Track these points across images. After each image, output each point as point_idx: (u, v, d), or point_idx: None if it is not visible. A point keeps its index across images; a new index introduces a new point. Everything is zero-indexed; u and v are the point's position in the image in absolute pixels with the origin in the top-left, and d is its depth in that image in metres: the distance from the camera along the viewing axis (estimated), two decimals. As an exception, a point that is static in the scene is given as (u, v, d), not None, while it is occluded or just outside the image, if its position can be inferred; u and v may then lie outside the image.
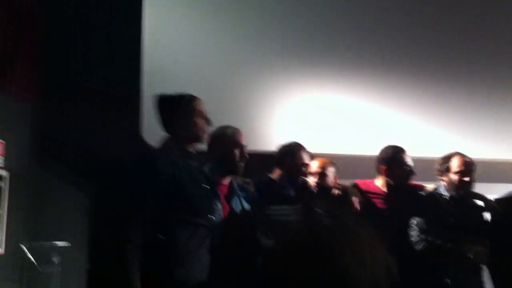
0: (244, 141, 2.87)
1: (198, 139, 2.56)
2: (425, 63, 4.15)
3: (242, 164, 2.85)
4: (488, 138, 4.06)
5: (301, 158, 3.12)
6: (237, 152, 2.82)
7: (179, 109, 2.51)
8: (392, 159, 3.18)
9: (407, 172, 3.18)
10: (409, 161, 3.19)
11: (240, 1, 4.12)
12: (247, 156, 2.86)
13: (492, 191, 3.34)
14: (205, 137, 2.63)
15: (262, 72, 4.05)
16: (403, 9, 4.20)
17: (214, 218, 2.52)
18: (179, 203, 2.37)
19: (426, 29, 4.18)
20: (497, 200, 3.26)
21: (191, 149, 2.54)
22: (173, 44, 3.92)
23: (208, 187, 2.51)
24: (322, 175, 3.13)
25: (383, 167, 3.20)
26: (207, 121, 2.56)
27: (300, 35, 4.06)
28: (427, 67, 4.15)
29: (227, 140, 2.85)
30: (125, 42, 4.00)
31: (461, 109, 4.13)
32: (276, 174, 3.12)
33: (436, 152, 3.30)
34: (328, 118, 4.05)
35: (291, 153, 3.12)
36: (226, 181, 2.84)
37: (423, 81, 4.12)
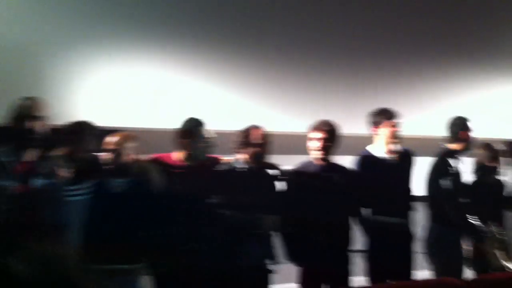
0: (42, 112, 2.74)
1: None
2: (234, 38, 4.21)
3: (37, 136, 2.71)
4: (289, 112, 4.29)
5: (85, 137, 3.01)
6: (31, 124, 2.68)
7: None
8: (191, 133, 3.21)
9: (206, 145, 3.23)
10: (208, 134, 3.24)
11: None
12: (45, 128, 2.72)
13: (289, 162, 3.54)
14: None
15: (67, 46, 3.85)
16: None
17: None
18: None
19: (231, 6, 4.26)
20: (292, 170, 3.46)
21: None
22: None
23: None
24: (117, 151, 3.07)
25: (183, 141, 3.22)
26: None
27: (108, 10, 3.94)
28: (235, 42, 4.22)
29: (21, 111, 2.73)
30: None
31: (264, 84, 4.28)
32: (61, 151, 2.96)
33: (237, 126, 3.37)
34: (131, 92, 3.97)
35: (79, 131, 3.01)
36: (29, 157, 2.68)
37: (228, 55, 4.19)
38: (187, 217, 3.08)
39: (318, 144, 3.38)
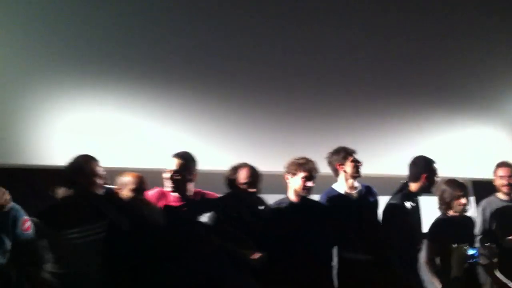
0: None
1: None
2: (196, 73, 4.43)
3: None
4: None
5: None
6: None
7: None
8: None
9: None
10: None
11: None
12: None
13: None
14: None
15: (35, 86, 4.01)
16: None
17: None
18: None
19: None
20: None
21: None
22: None
23: None
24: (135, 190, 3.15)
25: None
26: None
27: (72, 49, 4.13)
28: (197, 78, 4.43)
29: None
30: None
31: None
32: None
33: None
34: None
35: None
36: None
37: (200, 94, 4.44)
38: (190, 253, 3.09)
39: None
